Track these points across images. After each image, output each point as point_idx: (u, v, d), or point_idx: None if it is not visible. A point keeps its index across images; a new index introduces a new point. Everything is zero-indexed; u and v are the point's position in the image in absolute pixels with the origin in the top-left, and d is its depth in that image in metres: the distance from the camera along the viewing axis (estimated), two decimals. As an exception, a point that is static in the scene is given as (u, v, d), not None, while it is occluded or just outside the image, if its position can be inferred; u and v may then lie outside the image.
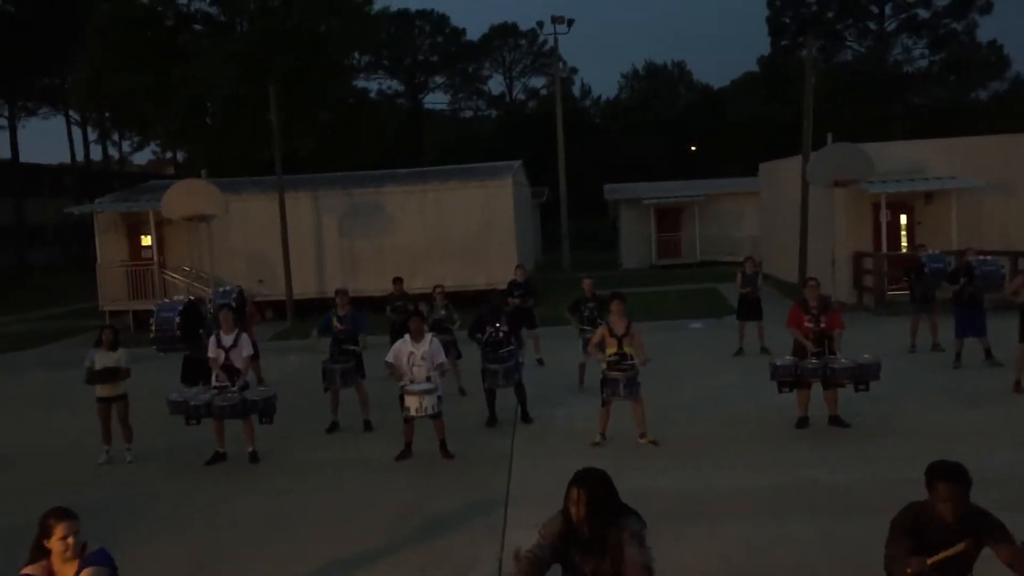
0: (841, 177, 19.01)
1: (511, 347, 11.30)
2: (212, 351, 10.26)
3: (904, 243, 21.14)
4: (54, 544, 4.25)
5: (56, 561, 4.29)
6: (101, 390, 10.38)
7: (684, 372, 13.58)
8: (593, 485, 4.22)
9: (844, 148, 19.52)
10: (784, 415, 10.46)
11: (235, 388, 10.01)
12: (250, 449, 10.08)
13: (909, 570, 4.12)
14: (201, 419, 9.99)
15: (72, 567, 4.27)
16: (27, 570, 4.31)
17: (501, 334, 11.26)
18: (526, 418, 11.22)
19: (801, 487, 8.31)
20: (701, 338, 17.18)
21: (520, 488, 8.70)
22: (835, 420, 10.12)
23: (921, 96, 53.93)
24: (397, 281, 15.34)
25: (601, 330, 9.94)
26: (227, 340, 10.20)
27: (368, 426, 11.27)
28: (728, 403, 11.63)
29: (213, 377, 10.24)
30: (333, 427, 11.35)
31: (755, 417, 10.76)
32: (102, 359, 10.33)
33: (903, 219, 21.32)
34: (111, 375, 10.26)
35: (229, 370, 10.14)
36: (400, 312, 14.36)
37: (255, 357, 13.87)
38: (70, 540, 4.24)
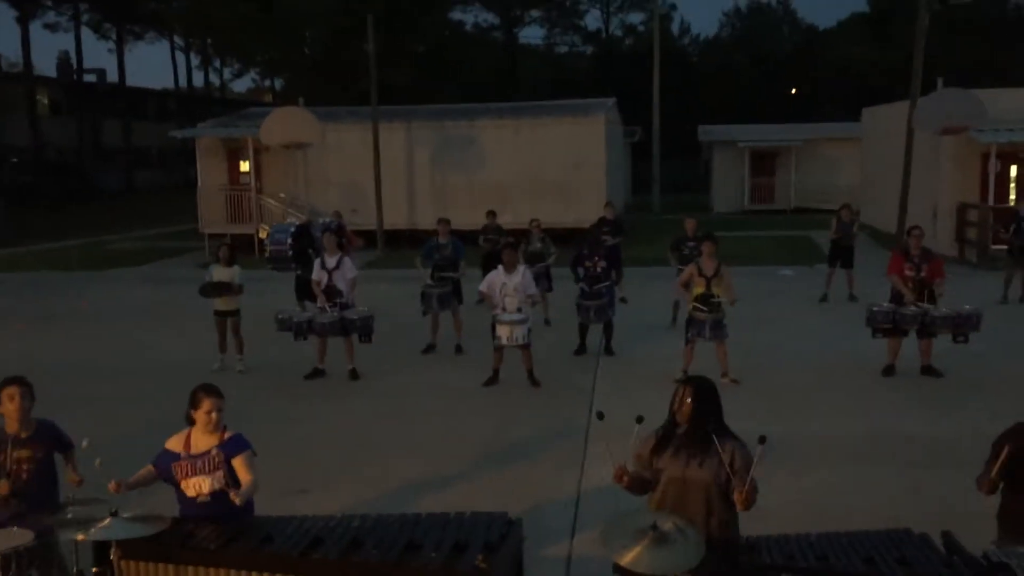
0: (950, 124, 18.21)
1: (607, 283, 11.50)
2: (316, 273, 10.80)
3: (1012, 196, 20.25)
4: (199, 416, 4.71)
5: (196, 433, 4.75)
6: (217, 303, 11.07)
7: (771, 317, 13.43)
8: (702, 387, 4.33)
9: (955, 93, 18.68)
10: (869, 363, 10.34)
11: (335, 307, 10.50)
12: (350, 367, 10.60)
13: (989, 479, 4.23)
14: (307, 335, 10.61)
15: (209, 440, 4.72)
16: (170, 441, 4.80)
17: (599, 269, 11.46)
18: (609, 351, 11.53)
19: (886, 436, 8.22)
20: (791, 285, 16.90)
21: (601, 422, 8.80)
22: (928, 370, 9.99)
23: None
24: (490, 214, 15.55)
25: (691, 268, 9.94)
26: (330, 262, 10.66)
27: (459, 349, 11.73)
28: (813, 349, 11.50)
29: (318, 298, 10.77)
30: (429, 348, 11.85)
31: (839, 364, 10.65)
32: (219, 274, 11.02)
33: (1013, 170, 20.39)
34: (225, 288, 10.91)
35: (331, 291, 10.61)
36: (493, 243, 14.60)
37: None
38: (213, 415, 4.70)
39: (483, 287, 10.22)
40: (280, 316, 10.79)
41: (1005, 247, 14.99)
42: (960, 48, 43.34)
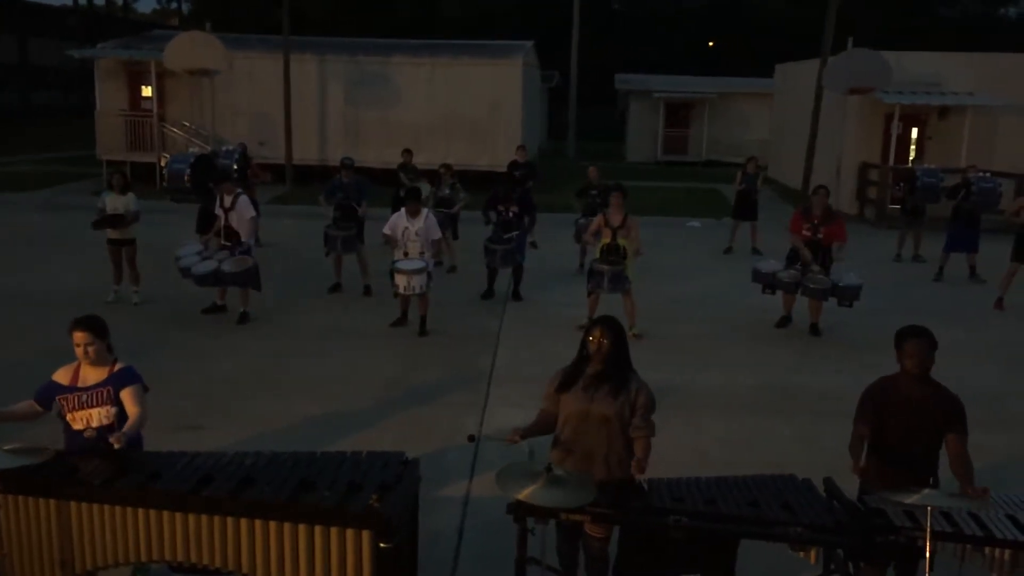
0: (858, 84, 18.66)
1: (517, 231, 11.49)
2: (217, 210, 10.46)
3: (912, 157, 20.93)
4: (76, 350, 4.55)
5: (84, 365, 4.61)
6: (111, 232, 10.71)
7: (676, 269, 13.66)
8: (616, 328, 4.42)
9: (864, 54, 19.06)
10: (768, 316, 10.61)
11: (229, 249, 10.18)
12: (241, 309, 10.24)
13: (857, 466, 4.36)
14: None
15: (98, 373, 4.60)
16: (58, 373, 4.64)
17: (511, 215, 11.48)
18: (517, 296, 11.62)
19: (780, 388, 8.49)
20: (697, 237, 17.20)
21: (505, 367, 8.88)
22: (814, 328, 10.26)
23: (948, 8, 52.39)
24: (406, 152, 15.28)
25: (598, 219, 9.97)
26: (226, 201, 10.28)
27: (368, 291, 11.58)
28: (715, 302, 11.75)
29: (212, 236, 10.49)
30: (335, 288, 11.74)
31: (739, 317, 10.91)
32: (112, 203, 10.58)
33: (914, 132, 21.04)
34: (118, 220, 10.56)
35: (228, 232, 10.25)
36: (414, 180, 14.41)
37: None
38: (85, 350, 4.54)
39: (386, 229, 10.00)
40: (178, 258, 10.30)
41: (899, 206, 15.50)
42: (874, 11, 44.24)
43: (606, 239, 9.79)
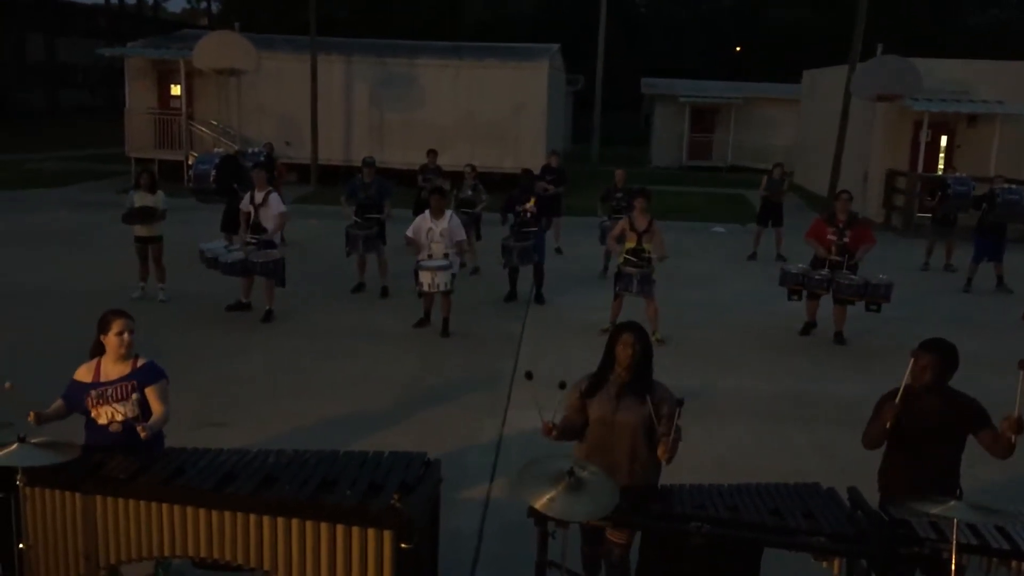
0: (886, 91, 18.53)
1: (535, 229, 11.42)
2: (244, 205, 10.59)
3: (941, 165, 20.74)
4: (110, 339, 4.54)
5: (107, 361, 4.60)
6: (138, 230, 10.79)
7: (699, 274, 13.60)
8: (644, 336, 4.40)
9: (893, 61, 18.94)
10: (791, 323, 10.54)
11: (256, 244, 10.28)
12: (267, 307, 10.30)
13: (887, 419, 4.33)
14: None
15: (121, 368, 4.59)
16: (79, 372, 4.63)
17: (529, 215, 11.37)
18: (539, 298, 11.51)
19: (800, 396, 8.43)
20: (722, 242, 17.12)
21: (524, 379, 8.86)
22: (838, 337, 10.15)
23: (978, 16, 51.89)
24: (431, 153, 15.30)
25: (623, 223, 9.95)
26: (257, 197, 10.39)
27: (385, 292, 11.56)
28: (738, 308, 11.68)
29: (240, 231, 10.61)
30: (359, 287, 11.74)
31: (762, 324, 10.84)
32: (141, 201, 10.68)
33: (943, 140, 20.85)
34: (148, 215, 10.63)
35: (256, 227, 10.36)
36: (431, 183, 14.42)
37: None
38: (125, 336, 4.55)
39: (409, 232, 9.96)
40: (203, 250, 10.47)
41: (930, 215, 15.31)
42: (902, 17, 43.89)
43: (631, 243, 9.76)
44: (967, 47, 39.13)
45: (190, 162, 17.96)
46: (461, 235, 10.07)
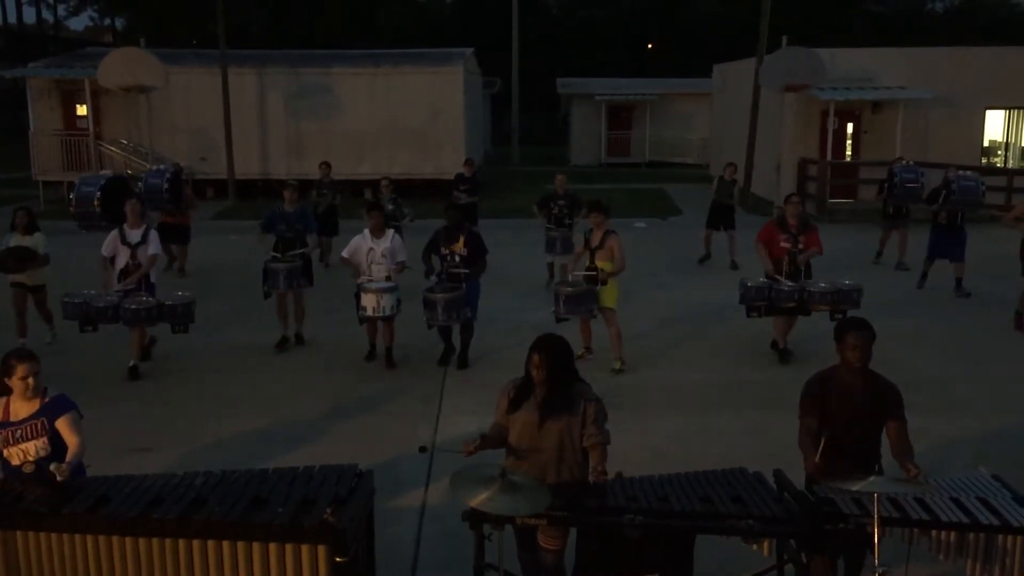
0: (793, 81, 19.02)
1: (466, 271, 8.95)
2: (108, 248, 8.88)
3: (848, 152, 21.38)
4: (15, 383, 4.43)
5: (15, 400, 4.49)
6: (16, 276, 9.29)
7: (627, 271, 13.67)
8: (552, 350, 4.34)
9: (798, 52, 19.45)
10: (713, 311, 10.71)
11: (142, 290, 8.76)
12: (131, 363, 8.83)
13: (813, 461, 4.34)
14: (96, 326, 8.72)
15: (29, 406, 4.48)
16: None
17: (458, 258, 8.96)
18: (463, 362, 9.19)
19: (730, 384, 8.60)
20: (644, 237, 17.33)
21: (457, 381, 8.86)
22: (778, 344, 9.44)
23: (879, 4, 53.61)
24: (324, 165, 14.49)
25: (581, 246, 9.21)
26: (133, 236, 8.83)
27: (300, 340, 9.93)
28: (664, 301, 11.86)
29: (106, 282, 8.90)
30: (283, 342, 9.80)
31: (688, 315, 11.03)
32: (16, 242, 9.24)
33: (850, 127, 21.49)
34: (21, 258, 9.09)
35: (132, 272, 8.78)
36: (325, 199, 13.84)
37: (185, 241, 13.44)
38: (30, 380, 4.43)
39: (346, 253, 9.10)
40: (66, 299, 8.63)
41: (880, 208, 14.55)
42: (806, 9, 45.10)
43: (587, 261, 8.94)
44: (869, 35, 40.40)
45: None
46: (403, 255, 9.11)
